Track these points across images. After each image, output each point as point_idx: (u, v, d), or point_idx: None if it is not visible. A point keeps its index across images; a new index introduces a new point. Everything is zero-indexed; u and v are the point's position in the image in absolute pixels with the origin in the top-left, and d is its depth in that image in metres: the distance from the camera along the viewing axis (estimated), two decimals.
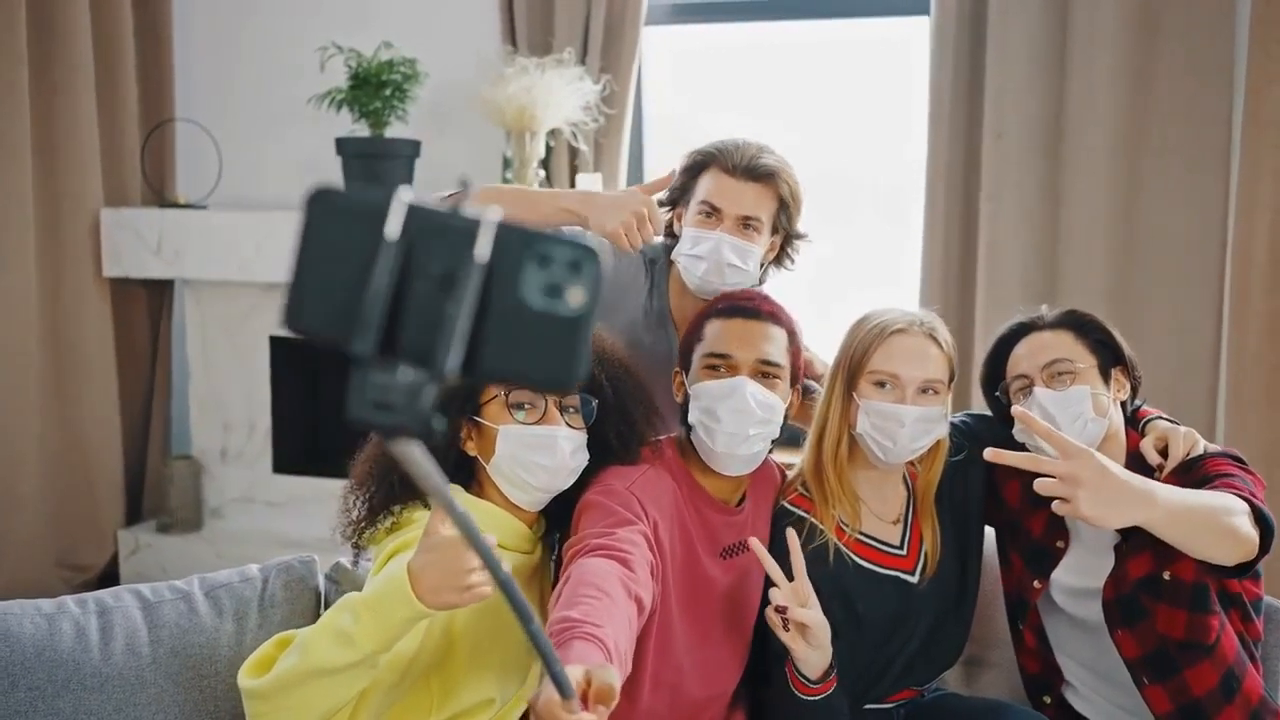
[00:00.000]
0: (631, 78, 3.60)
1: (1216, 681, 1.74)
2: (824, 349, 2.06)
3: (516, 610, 0.71)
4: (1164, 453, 1.81)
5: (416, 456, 0.60)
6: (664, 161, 3.75)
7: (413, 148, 3.67)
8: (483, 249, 0.58)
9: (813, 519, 1.83)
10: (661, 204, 2.12)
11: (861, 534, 1.86)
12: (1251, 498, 1.63)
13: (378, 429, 0.57)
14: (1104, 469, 1.52)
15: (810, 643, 1.64)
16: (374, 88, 3.58)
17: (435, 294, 0.58)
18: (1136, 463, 1.82)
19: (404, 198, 0.59)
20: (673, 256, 2.07)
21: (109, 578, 3.95)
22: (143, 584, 1.81)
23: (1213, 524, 1.58)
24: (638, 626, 1.47)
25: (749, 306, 1.79)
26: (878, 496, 1.89)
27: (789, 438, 1.88)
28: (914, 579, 1.87)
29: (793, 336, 1.80)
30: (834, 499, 1.83)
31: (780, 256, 2.11)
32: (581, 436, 1.67)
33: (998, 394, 1.92)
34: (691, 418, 1.75)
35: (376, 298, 0.57)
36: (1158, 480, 1.74)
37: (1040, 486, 1.55)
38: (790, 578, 1.66)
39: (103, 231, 3.84)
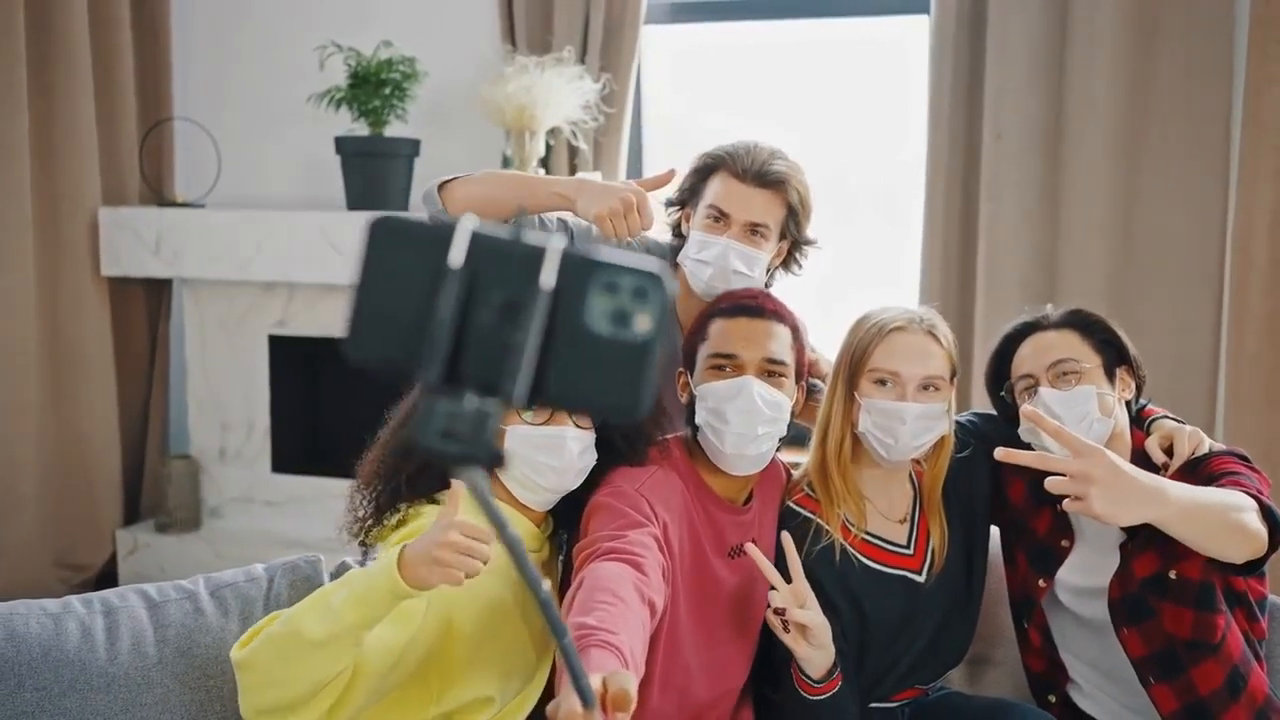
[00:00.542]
0: (631, 77, 3.60)
1: (1222, 680, 1.74)
2: (824, 349, 2.06)
3: (552, 626, 0.70)
4: (1169, 452, 1.81)
5: (480, 486, 0.59)
6: (663, 160, 3.75)
7: (412, 147, 3.67)
8: (548, 276, 0.58)
9: (819, 520, 1.84)
10: (670, 204, 2.12)
11: (868, 534, 1.86)
12: (1259, 495, 1.64)
13: (445, 459, 0.57)
14: (1116, 467, 1.53)
15: (811, 643, 1.65)
16: (373, 87, 3.57)
17: (499, 322, 0.57)
18: (1142, 462, 1.82)
19: (467, 225, 0.58)
20: (679, 260, 2.06)
21: (107, 578, 3.94)
22: (148, 584, 1.80)
23: (1223, 521, 1.58)
24: (650, 630, 1.47)
25: (752, 305, 1.79)
26: (883, 495, 1.89)
27: (794, 437, 1.88)
28: (921, 578, 1.87)
29: (796, 334, 1.81)
30: (839, 499, 1.84)
31: (788, 261, 2.11)
32: (589, 437, 1.67)
33: (1003, 394, 1.93)
34: (698, 419, 1.75)
35: (442, 326, 0.57)
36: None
37: (1052, 485, 1.55)
38: (788, 580, 1.66)
39: (101, 231, 3.83)
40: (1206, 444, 1.81)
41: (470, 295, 0.58)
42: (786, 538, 1.70)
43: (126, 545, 3.96)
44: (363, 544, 1.67)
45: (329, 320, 3.82)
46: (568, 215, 1.95)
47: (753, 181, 1.96)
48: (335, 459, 3.97)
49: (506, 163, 3.58)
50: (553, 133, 3.56)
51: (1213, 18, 3.13)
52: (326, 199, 3.88)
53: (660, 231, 2.12)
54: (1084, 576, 1.86)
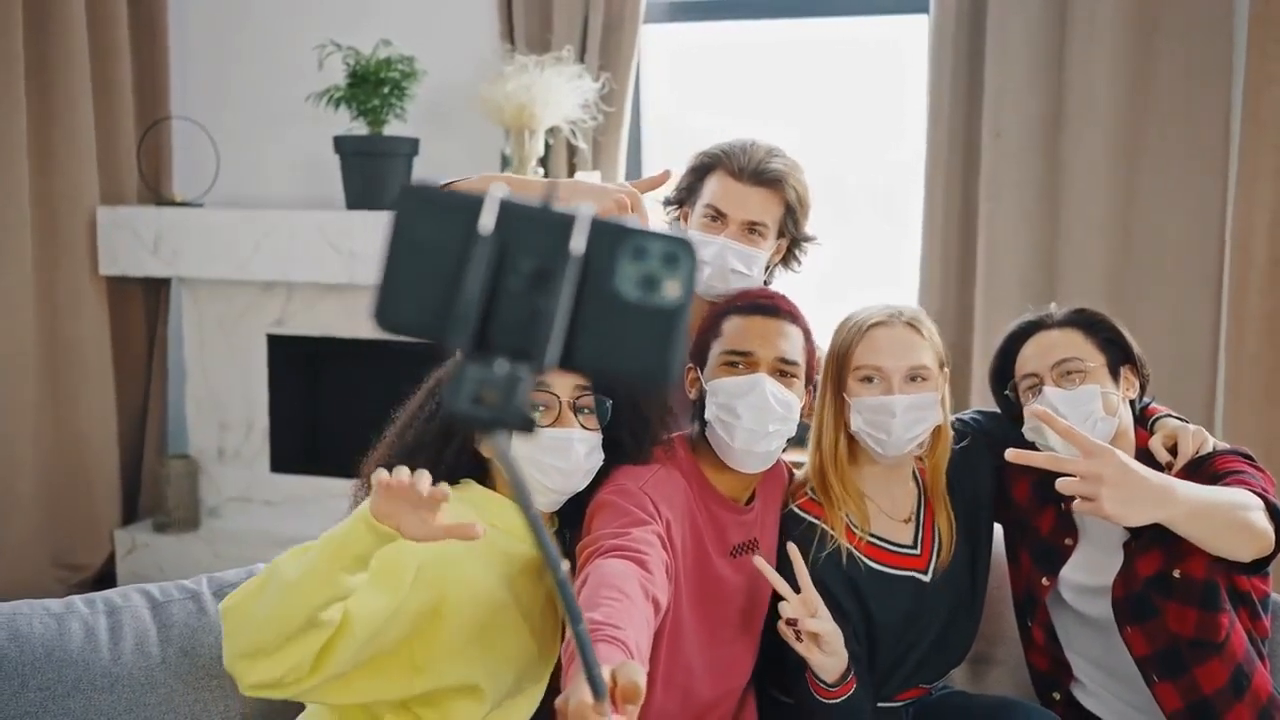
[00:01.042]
0: (630, 76, 3.60)
1: (1226, 679, 1.74)
2: (824, 349, 2.06)
3: (568, 609, 0.71)
4: (1173, 450, 1.82)
5: (506, 453, 0.60)
6: (662, 159, 3.75)
7: (411, 146, 3.67)
8: (578, 242, 0.58)
9: (823, 524, 1.84)
10: (667, 203, 2.12)
11: (872, 536, 1.86)
12: (1265, 493, 1.64)
13: (476, 424, 0.57)
14: (1126, 466, 1.53)
15: (824, 650, 1.66)
16: (372, 86, 3.57)
17: (529, 288, 0.58)
18: (1146, 460, 1.82)
19: (497, 193, 0.59)
20: None
21: (106, 578, 3.93)
22: (151, 584, 1.80)
23: (1231, 520, 1.59)
24: (654, 626, 1.47)
25: (769, 305, 1.79)
26: (886, 495, 1.89)
27: (798, 437, 1.88)
28: (926, 578, 1.87)
29: (808, 337, 1.81)
30: (839, 501, 1.84)
31: (787, 259, 2.11)
32: (596, 438, 1.66)
33: (1007, 392, 1.93)
34: (708, 414, 1.74)
35: (472, 293, 0.57)
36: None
37: (1063, 486, 1.55)
38: (796, 589, 1.66)
39: (99, 230, 3.83)
40: (1210, 443, 1.81)
41: (500, 262, 0.58)
42: (793, 548, 1.70)
43: (125, 545, 3.95)
44: None
45: (328, 320, 3.81)
46: None
47: (749, 180, 1.96)
48: (334, 458, 3.99)
49: (506, 162, 3.58)
50: (552, 132, 3.55)
51: (1212, 16, 3.14)
52: (325, 198, 3.88)
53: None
54: (1087, 575, 1.86)
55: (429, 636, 1.52)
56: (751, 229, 1.98)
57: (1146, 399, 1.95)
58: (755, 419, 1.70)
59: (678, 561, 1.68)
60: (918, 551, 1.88)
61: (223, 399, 3.97)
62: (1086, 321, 1.87)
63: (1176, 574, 1.74)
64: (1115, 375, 1.85)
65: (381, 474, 1.39)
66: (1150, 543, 1.76)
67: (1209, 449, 1.79)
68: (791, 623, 1.64)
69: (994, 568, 1.99)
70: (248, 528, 3.94)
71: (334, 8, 3.92)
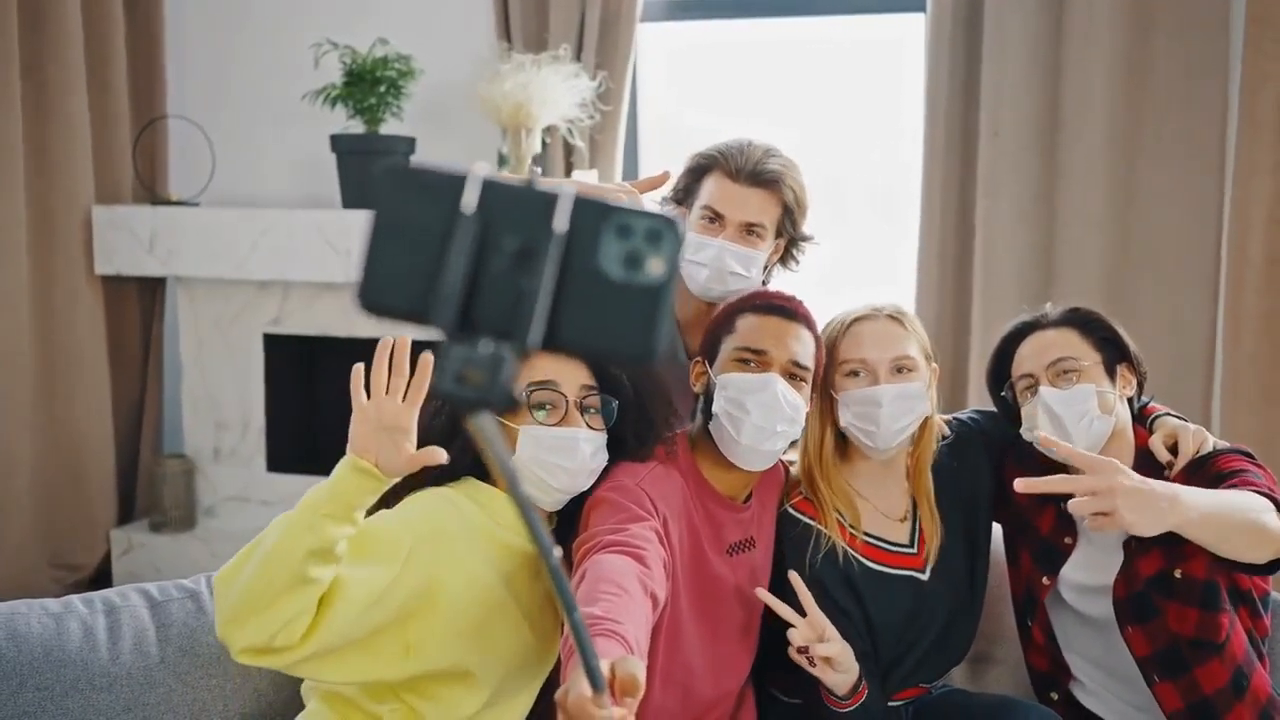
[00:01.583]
0: (627, 74, 3.60)
1: (1227, 679, 1.74)
2: None
3: (561, 597, 0.70)
4: (1173, 450, 1.82)
5: (492, 433, 0.60)
6: (659, 157, 3.76)
7: (408, 145, 3.66)
8: (561, 220, 0.58)
9: (818, 525, 1.84)
10: (664, 203, 2.12)
11: (868, 535, 1.86)
12: (1271, 493, 1.64)
13: (459, 403, 0.57)
14: (1135, 477, 1.54)
15: (837, 670, 1.67)
16: (369, 84, 3.56)
17: (513, 267, 0.57)
18: (1146, 460, 1.83)
19: (479, 172, 0.59)
20: None
21: (102, 578, 3.92)
22: (149, 583, 1.80)
23: (1243, 523, 1.59)
24: (652, 622, 1.47)
25: (786, 307, 1.79)
26: (880, 494, 1.89)
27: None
28: (925, 576, 1.87)
29: (819, 345, 1.81)
30: (827, 502, 1.84)
31: (785, 258, 2.11)
32: (601, 438, 1.66)
33: (1003, 393, 1.93)
34: (716, 407, 1.74)
35: (455, 272, 0.57)
36: (1168, 478, 1.75)
37: (1075, 507, 1.57)
38: (802, 613, 1.67)
39: (95, 229, 3.81)
40: (1210, 442, 1.81)
41: (484, 241, 0.58)
42: (794, 575, 1.71)
43: (121, 545, 3.94)
44: None
45: (324, 319, 3.81)
46: None
47: (746, 181, 1.96)
48: (331, 458, 3.95)
49: (502, 160, 3.58)
50: (549, 130, 3.55)
51: (1209, 15, 3.14)
52: (322, 197, 3.87)
53: None
54: (1087, 574, 1.86)
55: (422, 618, 1.52)
56: (749, 230, 1.98)
57: (1145, 398, 1.95)
58: (764, 417, 1.70)
59: (675, 559, 1.68)
60: (914, 550, 1.88)
61: (219, 398, 3.96)
62: (1081, 320, 1.88)
63: (1178, 574, 1.74)
64: (1111, 373, 1.85)
65: (358, 377, 1.42)
66: (1151, 543, 1.76)
67: (1209, 448, 1.79)
68: (803, 650, 1.64)
69: (994, 566, 1.99)
70: (244, 527, 3.93)
71: (331, 6, 3.92)
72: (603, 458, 1.67)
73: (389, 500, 1.56)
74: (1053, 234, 3.30)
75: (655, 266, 0.59)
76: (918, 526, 1.90)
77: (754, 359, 1.75)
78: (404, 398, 1.44)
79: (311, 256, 3.62)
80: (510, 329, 0.57)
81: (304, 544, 1.38)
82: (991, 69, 3.27)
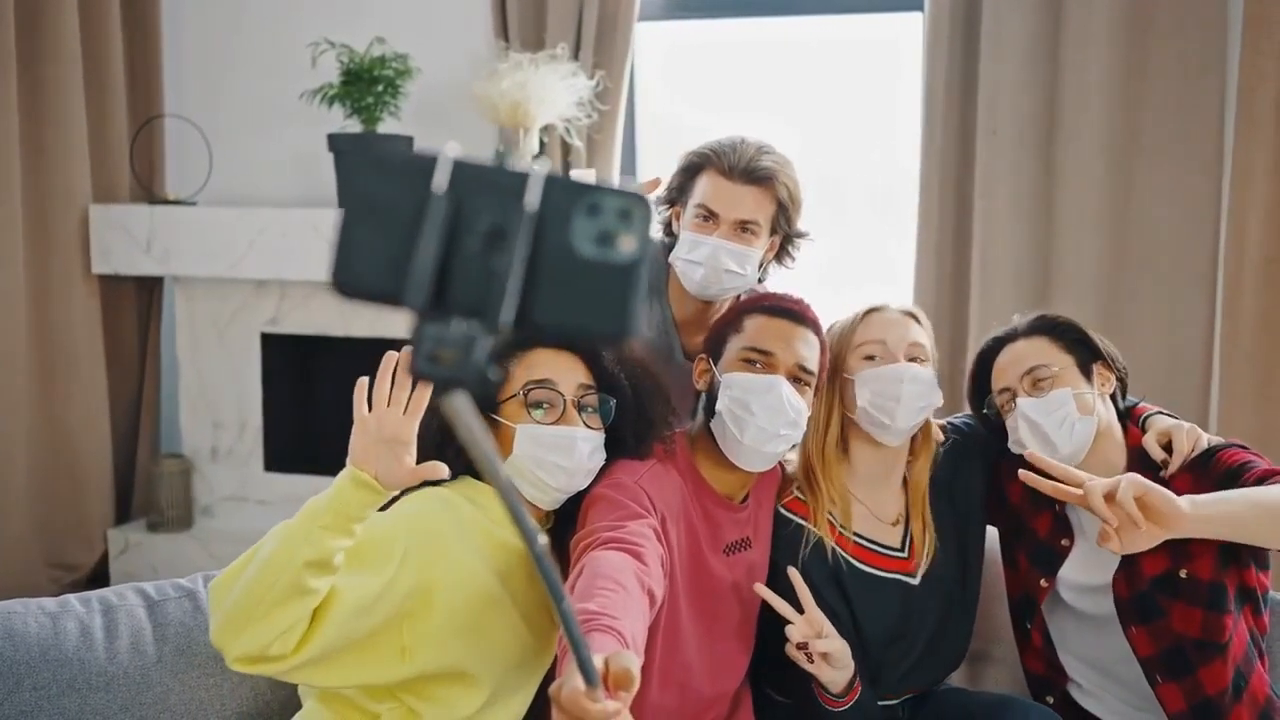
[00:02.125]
0: (625, 73, 3.59)
1: (1230, 680, 1.75)
2: None
3: (548, 585, 0.70)
4: (1167, 448, 1.82)
5: (465, 413, 0.60)
6: (657, 157, 3.75)
7: (406, 144, 3.66)
8: (532, 199, 0.58)
9: (809, 525, 1.84)
10: (658, 202, 2.12)
11: (858, 536, 1.86)
12: None
13: (434, 383, 0.57)
14: (1147, 482, 1.56)
15: (834, 666, 1.67)
16: (366, 83, 3.56)
17: (485, 247, 0.57)
18: (1140, 459, 1.83)
19: (450, 153, 0.59)
20: (670, 260, 2.06)
21: (99, 577, 3.92)
22: (146, 582, 1.79)
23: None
24: (649, 619, 1.47)
25: (795, 310, 1.79)
26: (873, 497, 1.89)
27: None
28: (915, 581, 1.87)
29: (824, 351, 1.81)
30: (823, 495, 1.84)
31: (780, 255, 2.11)
32: (599, 437, 1.66)
33: (985, 411, 1.94)
34: (720, 406, 1.74)
35: (427, 252, 0.57)
36: (1166, 477, 1.75)
37: (1103, 541, 1.58)
38: (800, 611, 1.67)
39: (91, 228, 3.81)
40: (1205, 439, 1.81)
41: (455, 222, 0.58)
42: (793, 572, 1.71)
43: (118, 545, 3.94)
44: None
45: (322, 318, 3.80)
46: None
47: (740, 179, 1.96)
48: (328, 458, 3.94)
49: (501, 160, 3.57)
50: (546, 130, 3.54)
51: (1205, 15, 3.14)
52: (319, 196, 3.87)
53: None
54: (1086, 574, 1.86)
55: (418, 619, 1.52)
56: (744, 228, 1.98)
57: (1134, 399, 1.95)
58: (768, 419, 1.70)
59: (673, 558, 1.68)
60: (905, 555, 1.88)
61: (216, 398, 3.96)
62: (1050, 326, 1.89)
63: (1183, 574, 1.74)
64: (1087, 374, 1.85)
65: (360, 398, 1.42)
66: None
67: (1204, 445, 1.79)
68: (801, 646, 1.64)
69: (991, 565, 1.99)
70: (241, 527, 3.92)
71: (328, 5, 3.91)
72: (600, 457, 1.67)
73: None
74: (1050, 233, 3.30)
75: (626, 244, 0.59)
76: (909, 531, 1.90)
77: (760, 360, 1.74)
78: (404, 411, 1.43)
79: (309, 256, 3.61)
80: (483, 309, 0.57)
81: (302, 554, 1.38)
82: (989, 68, 3.27)
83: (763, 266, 2.09)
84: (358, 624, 1.46)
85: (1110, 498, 1.56)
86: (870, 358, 1.81)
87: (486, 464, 0.64)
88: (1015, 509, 1.95)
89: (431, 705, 1.57)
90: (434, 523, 1.55)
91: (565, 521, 1.70)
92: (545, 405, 1.63)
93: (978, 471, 1.97)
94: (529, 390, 1.62)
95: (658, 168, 2.05)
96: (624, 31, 3.56)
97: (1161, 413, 1.91)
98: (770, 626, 1.74)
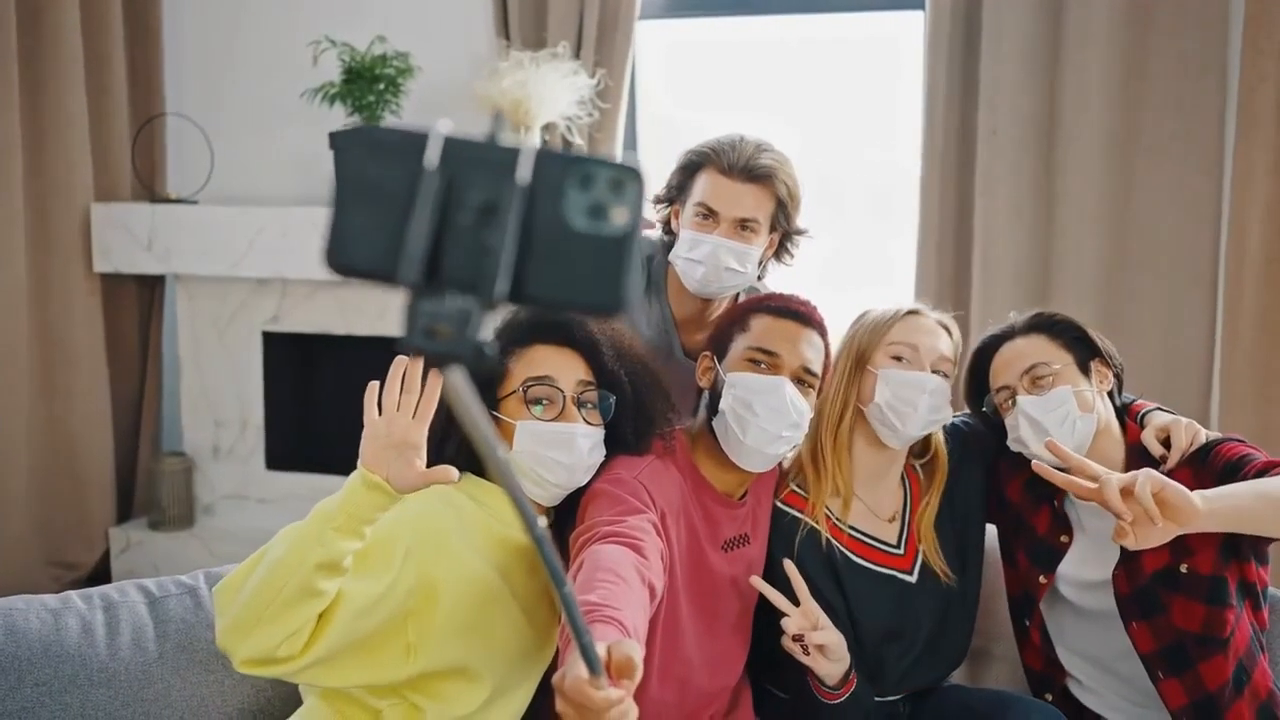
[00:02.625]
0: (626, 72, 3.60)
1: (1230, 675, 1.75)
2: None
3: (549, 569, 0.70)
4: (1166, 444, 1.82)
5: (461, 388, 0.60)
6: (658, 156, 3.75)
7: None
8: (524, 172, 0.58)
9: (806, 517, 1.84)
10: (658, 200, 2.12)
11: (854, 529, 1.86)
12: None
13: (428, 356, 0.57)
14: (1163, 478, 1.55)
15: (830, 659, 1.67)
16: (367, 82, 3.56)
17: (477, 222, 0.57)
18: (1139, 455, 1.83)
19: (441, 129, 0.59)
20: (670, 258, 2.06)
21: (100, 576, 3.92)
22: (148, 579, 1.80)
23: None
24: (650, 612, 1.47)
25: (803, 312, 1.79)
26: (871, 492, 1.89)
27: None
28: (912, 578, 1.87)
29: (828, 354, 1.82)
30: (826, 477, 1.84)
31: (779, 252, 2.11)
32: (599, 433, 1.66)
33: (985, 409, 1.94)
34: (723, 404, 1.74)
35: (420, 228, 0.57)
36: (1163, 471, 1.75)
37: (1119, 538, 1.57)
38: (795, 603, 1.67)
39: (93, 227, 3.82)
40: (1203, 434, 1.82)
41: (447, 197, 0.58)
42: (789, 564, 1.71)
43: (119, 543, 3.94)
44: None
45: (323, 316, 3.81)
46: None
47: (740, 177, 1.96)
48: (329, 456, 3.98)
49: None
50: (547, 128, 3.55)
51: (1207, 14, 3.14)
52: (320, 195, 3.86)
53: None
54: (1085, 570, 1.86)
55: (422, 617, 1.52)
56: (744, 225, 1.98)
57: (1131, 396, 1.95)
58: (771, 420, 1.71)
59: (672, 553, 1.68)
60: (901, 551, 1.88)
61: (217, 396, 3.96)
62: (1048, 324, 1.89)
63: (1184, 569, 1.75)
64: (1086, 371, 1.85)
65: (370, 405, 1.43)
66: None
67: (1202, 440, 1.80)
68: (797, 638, 1.65)
69: (990, 561, 1.99)
70: (243, 525, 3.93)
71: (329, 4, 3.91)
72: (600, 453, 1.67)
73: None
74: (1051, 233, 3.30)
75: (619, 216, 0.59)
76: (906, 528, 1.90)
77: (765, 360, 1.75)
78: (414, 415, 1.44)
79: (310, 254, 3.62)
80: (477, 283, 0.57)
81: (313, 556, 1.39)
82: (990, 67, 3.27)
83: (762, 264, 2.10)
84: (362, 624, 1.47)
85: (1127, 493, 1.55)
86: (898, 358, 1.82)
87: (483, 443, 0.64)
88: (1014, 506, 1.95)
89: (435, 702, 1.58)
90: (436, 520, 1.55)
91: (565, 518, 1.70)
92: (545, 401, 1.63)
93: (977, 472, 1.98)
94: (529, 386, 1.63)
95: (658, 166, 2.05)
96: (625, 30, 3.56)
97: (1159, 409, 1.92)
98: (767, 620, 1.75)
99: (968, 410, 2.05)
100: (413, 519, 1.54)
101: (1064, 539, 1.89)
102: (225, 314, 3.91)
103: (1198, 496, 1.55)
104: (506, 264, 0.57)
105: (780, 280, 2.16)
